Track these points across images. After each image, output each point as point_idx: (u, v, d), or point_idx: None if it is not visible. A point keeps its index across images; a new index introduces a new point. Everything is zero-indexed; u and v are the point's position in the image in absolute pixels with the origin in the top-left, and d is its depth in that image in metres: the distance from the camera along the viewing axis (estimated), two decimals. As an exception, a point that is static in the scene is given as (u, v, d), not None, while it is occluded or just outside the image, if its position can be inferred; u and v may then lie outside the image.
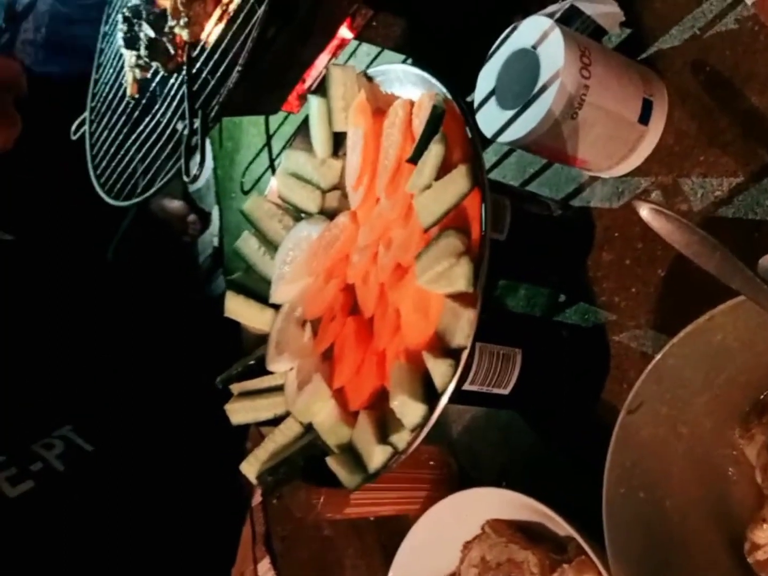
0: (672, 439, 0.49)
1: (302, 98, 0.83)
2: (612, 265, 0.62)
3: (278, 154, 1.09)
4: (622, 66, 0.59)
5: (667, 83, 0.60)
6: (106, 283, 1.04)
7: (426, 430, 0.44)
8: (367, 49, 0.92)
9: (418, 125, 0.51)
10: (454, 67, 0.73)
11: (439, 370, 0.43)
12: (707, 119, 0.57)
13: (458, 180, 0.45)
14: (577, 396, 0.60)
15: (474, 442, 0.70)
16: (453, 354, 0.44)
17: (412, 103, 0.53)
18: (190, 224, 1.20)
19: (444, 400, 0.42)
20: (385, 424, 0.48)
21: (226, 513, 0.86)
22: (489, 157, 0.73)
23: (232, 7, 0.72)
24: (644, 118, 0.59)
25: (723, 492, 0.49)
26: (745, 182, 0.54)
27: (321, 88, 0.60)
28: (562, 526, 0.52)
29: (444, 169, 0.47)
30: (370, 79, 0.57)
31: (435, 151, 0.46)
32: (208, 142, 1.32)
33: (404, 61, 0.86)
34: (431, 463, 0.69)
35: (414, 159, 0.48)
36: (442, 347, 0.45)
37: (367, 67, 0.91)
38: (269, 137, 1.12)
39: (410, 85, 0.54)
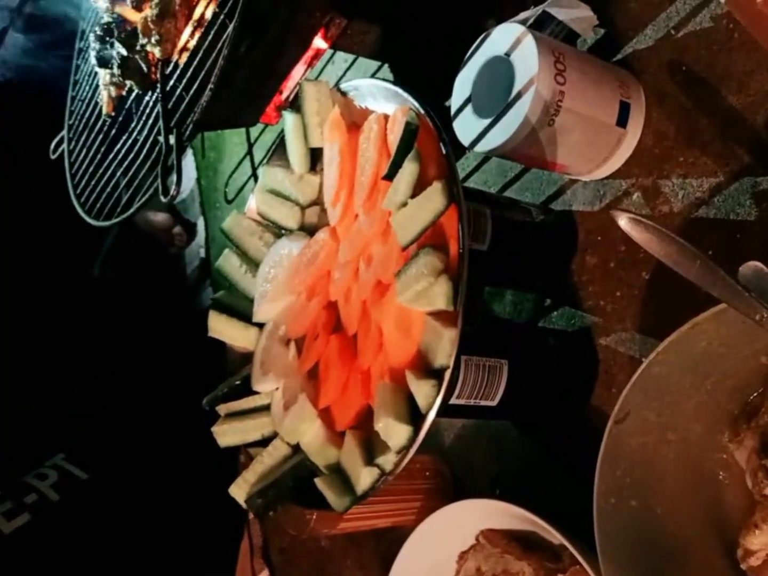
0: (662, 446, 0.49)
1: (280, 109, 0.82)
2: (596, 268, 0.62)
3: (260, 163, 1.09)
4: (597, 69, 0.58)
5: (644, 84, 0.59)
6: (92, 301, 1.03)
7: (412, 451, 0.43)
8: (344, 56, 0.91)
9: (393, 140, 0.50)
10: (431, 72, 0.73)
11: (422, 391, 0.42)
12: (685, 120, 0.57)
13: (434, 197, 0.44)
14: (567, 402, 0.60)
15: (467, 449, 0.69)
16: (437, 372, 0.43)
17: (386, 118, 0.53)
18: (176, 236, 1.19)
19: (428, 421, 0.42)
20: (372, 445, 0.48)
21: (223, 526, 0.86)
22: (469, 162, 0.73)
23: (204, 23, 0.71)
24: (622, 120, 0.58)
25: (715, 497, 0.49)
26: (726, 182, 0.54)
27: (295, 104, 0.59)
28: (555, 536, 0.52)
29: (420, 186, 0.47)
30: (344, 93, 0.57)
31: (409, 169, 0.46)
32: (190, 152, 1.32)
33: (379, 69, 0.85)
34: (425, 473, 0.69)
35: (389, 176, 0.48)
36: (425, 365, 0.45)
37: (344, 74, 0.91)
38: (251, 146, 1.12)
39: (384, 99, 0.53)
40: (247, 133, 1.13)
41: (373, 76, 0.86)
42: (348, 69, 0.90)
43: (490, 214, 0.58)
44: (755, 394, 0.48)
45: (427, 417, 0.42)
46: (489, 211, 0.58)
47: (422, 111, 0.47)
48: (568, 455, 0.60)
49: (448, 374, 0.42)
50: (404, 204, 0.47)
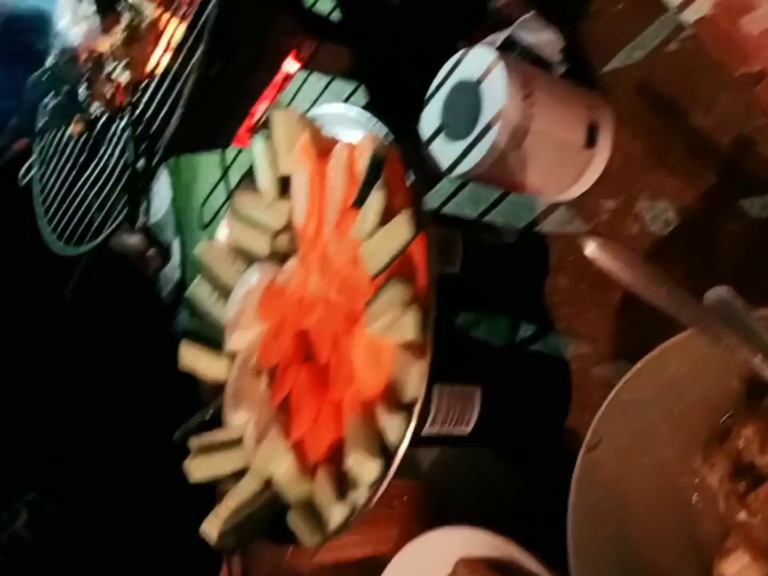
0: (636, 472, 0.48)
1: (252, 131, 0.82)
2: (569, 289, 0.62)
3: (236, 186, 1.08)
4: (565, 91, 0.58)
5: (613, 106, 0.59)
6: (65, 328, 1.02)
7: (384, 485, 0.43)
8: (319, 76, 0.91)
9: (361, 168, 0.50)
10: (406, 90, 0.73)
11: (391, 426, 0.42)
12: (654, 140, 0.57)
13: (401, 227, 0.44)
14: (542, 426, 0.59)
15: (445, 473, 0.69)
16: (407, 405, 0.43)
17: (354, 145, 0.52)
18: (150, 259, 1.18)
19: (399, 457, 0.42)
20: (345, 478, 0.47)
21: (201, 557, 0.84)
22: (445, 187, 0.72)
23: (173, 46, 0.71)
24: (591, 142, 0.58)
25: (691, 522, 0.48)
26: (694, 203, 0.54)
27: (265, 130, 0.59)
28: (533, 564, 0.52)
29: (388, 214, 0.46)
30: (312, 120, 0.56)
31: (376, 199, 0.45)
32: (165, 173, 1.31)
33: (356, 89, 0.85)
34: (402, 497, 0.68)
35: (357, 204, 0.47)
36: (396, 397, 0.44)
37: (320, 95, 0.91)
38: (226, 169, 1.11)
39: (352, 126, 0.53)
40: (222, 155, 1.13)
41: (349, 96, 0.86)
42: (324, 90, 0.90)
43: (461, 237, 0.58)
44: (726, 417, 0.48)
45: (397, 452, 0.41)
46: (460, 234, 0.58)
47: (389, 140, 0.47)
48: (545, 480, 0.59)
49: (417, 408, 0.41)
50: (372, 233, 0.46)
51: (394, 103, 0.78)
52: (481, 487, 0.65)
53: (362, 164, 0.50)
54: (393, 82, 0.78)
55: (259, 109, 0.80)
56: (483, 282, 0.61)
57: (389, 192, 0.46)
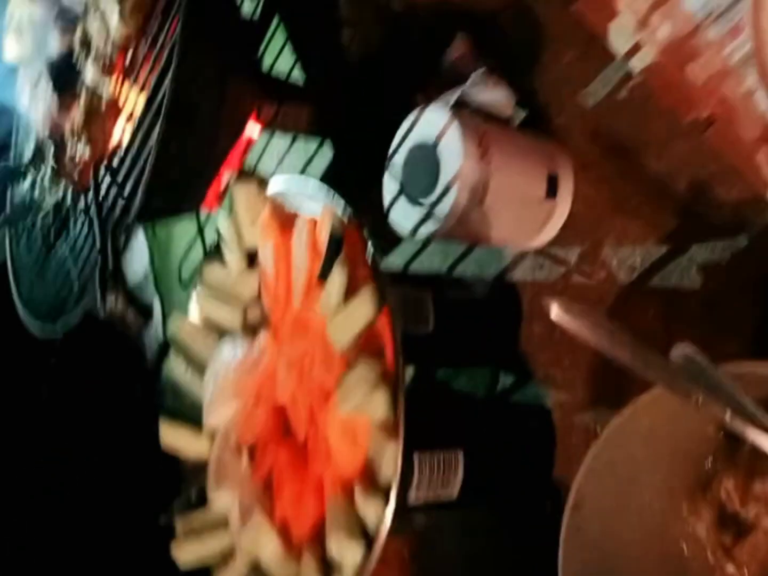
0: (623, 526, 0.48)
1: (220, 195, 0.82)
2: (543, 337, 0.62)
3: (212, 243, 1.08)
4: (522, 144, 0.59)
5: (570, 154, 0.60)
6: (49, 394, 1.01)
7: (370, 567, 0.42)
8: (282, 136, 0.91)
9: (323, 241, 0.50)
10: (370, 142, 0.73)
11: (370, 510, 0.41)
12: (612, 187, 0.57)
13: (364, 304, 0.44)
14: (529, 479, 0.59)
15: (434, 530, 0.68)
16: (385, 486, 0.42)
17: (315, 219, 0.52)
18: (130, 322, 1.17)
19: (381, 541, 0.41)
20: (331, 559, 0.46)
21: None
22: (410, 246, 0.72)
23: (133, 120, 0.71)
24: (551, 192, 0.59)
25: (682, 572, 0.48)
26: (656, 248, 0.54)
27: (228, 203, 0.59)
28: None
29: (352, 288, 0.46)
30: (273, 192, 0.56)
31: (338, 276, 0.45)
32: (141, 232, 1.30)
33: (321, 145, 0.86)
34: (392, 559, 0.67)
35: (321, 278, 0.47)
36: (374, 477, 0.44)
37: (285, 154, 0.91)
38: (201, 226, 1.11)
39: (312, 198, 0.53)
40: (197, 212, 1.13)
41: (314, 154, 0.87)
42: (288, 149, 0.90)
43: (431, 297, 0.58)
44: (709, 462, 0.48)
45: (378, 537, 0.41)
46: (430, 293, 0.58)
47: (347, 213, 0.47)
48: (535, 534, 0.59)
49: (394, 492, 0.41)
50: (337, 309, 0.46)
51: (356, 163, 0.79)
52: (470, 540, 0.64)
53: (323, 237, 0.50)
54: (354, 140, 0.79)
55: (226, 172, 0.81)
56: (458, 338, 0.61)
57: (351, 266, 0.46)
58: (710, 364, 0.39)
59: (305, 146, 0.87)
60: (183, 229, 1.19)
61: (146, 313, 1.22)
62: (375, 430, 0.44)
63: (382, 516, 0.41)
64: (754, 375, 0.40)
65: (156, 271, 1.25)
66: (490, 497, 0.58)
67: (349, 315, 0.45)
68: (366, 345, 0.45)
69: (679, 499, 0.49)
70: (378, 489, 0.42)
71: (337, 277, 0.45)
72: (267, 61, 0.92)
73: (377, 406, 0.42)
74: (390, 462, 0.41)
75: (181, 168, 0.71)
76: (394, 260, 0.76)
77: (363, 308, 0.44)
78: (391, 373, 0.44)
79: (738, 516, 0.45)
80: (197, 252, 1.12)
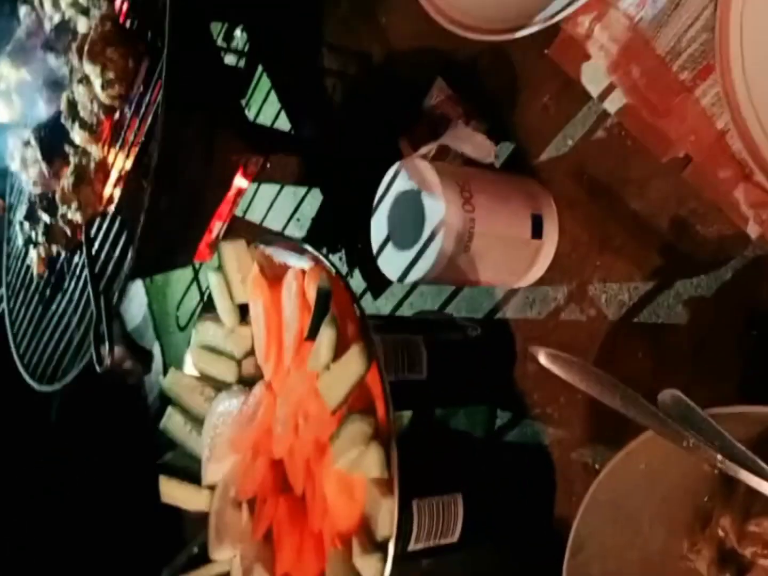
0: (624, 567, 0.48)
1: (212, 246, 0.83)
2: (537, 375, 0.62)
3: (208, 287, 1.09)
4: (505, 187, 0.60)
5: (553, 194, 0.60)
6: (52, 450, 1.01)
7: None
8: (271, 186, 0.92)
9: (312, 296, 0.51)
10: (358, 189, 0.74)
11: (367, 567, 0.41)
12: (596, 226, 0.58)
13: (353, 361, 0.44)
14: (530, 518, 0.59)
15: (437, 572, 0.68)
16: (382, 543, 0.42)
17: (304, 272, 0.53)
18: (129, 370, 1.18)
19: (379, 599, 0.41)
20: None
21: None
22: (399, 289, 0.73)
23: (123, 181, 0.72)
24: (537, 232, 0.59)
25: (686, 610, 0.48)
26: (643, 285, 0.55)
27: (216, 262, 0.60)
28: None
29: (341, 345, 0.47)
30: (261, 249, 0.57)
31: (326, 334, 0.46)
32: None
33: (307, 192, 0.87)
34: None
35: (310, 338, 0.48)
36: (371, 533, 0.44)
37: (272, 203, 0.93)
38: (196, 273, 1.12)
39: (298, 256, 0.54)
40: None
41: (302, 199, 0.88)
42: (276, 196, 0.91)
43: (423, 342, 0.58)
44: (706, 499, 0.48)
45: (376, 595, 0.41)
46: (422, 338, 0.58)
47: (333, 271, 0.48)
48: (535, 570, 0.59)
49: (392, 547, 0.41)
50: (327, 366, 0.47)
51: (345, 209, 0.80)
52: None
53: (312, 292, 0.50)
54: (342, 186, 0.80)
55: (216, 224, 0.82)
56: (453, 380, 0.61)
57: (339, 323, 0.46)
58: (697, 408, 0.40)
59: (295, 190, 0.88)
60: (179, 273, 1.20)
61: (147, 358, 1.23)
62: (370, 485, 0.44)
63: (381, 571, 0.41)
64: (742, 416, 0.40)
65: (154, 314, 1.26)
66: (492, 537, 0.58)
67: (338, 374, 0.45)
68: (358, 400, 0.46)
69: (680, 537, 0.49)
70: (376, 545, 0.43)
71: (326, 336, 0.46)
72: (253, 109, 0.94)
73: (370, 463, 0.42)
74: (386, 518, 0.41)
75: (171, 225, 0.72)
76: (385, 302, 0.77)
77: (352, 366, 0.44)
78: (383, 429, 0.44)
79: (737, 553, 0.45)
80: (194, 295, 1.13)
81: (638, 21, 0.52)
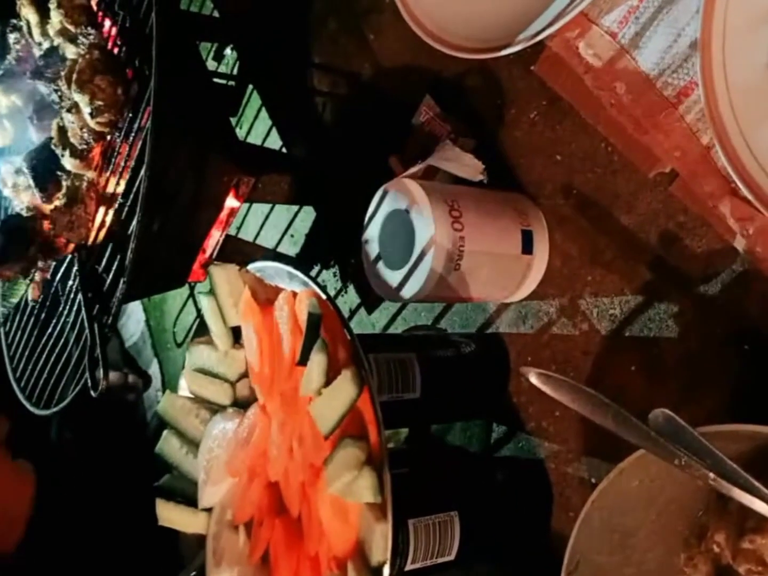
0: (620, 583, 0.48)
1: (205, 267, 0.83)
2: (532, 389, 0.61)
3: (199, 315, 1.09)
4: (494, 205, 0.60)
5: (543, 209, 0.61)
6: (52, 469, 1.01)
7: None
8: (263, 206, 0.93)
9: (303, 320, 0.51)
10: (349, 207, 0.74)
11: (363, 592, 0.42)
12: (586, 240, 0.58)
13: (344, 387, 0.44)
14: (527, 531, 0.59)
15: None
16: (377, 567, 0.43)
17: (295, 295, 0.53)
18: (128, 387, 1.17)
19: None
20: (331, 639, 0.46)
21: None
22: (391, 306, 0.73)
23: (115, 202, 0.72)
24: (527, 248, 0.60)
25: (683, 626, 0.48)
26: (633, 299, 0.55)
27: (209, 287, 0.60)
28: None
29: (333, 369, 0.47)
30: (252, 273, 0.57)
31: (317, 360, 0.46)
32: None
33: (299, 211, 0.87)
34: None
35: (302, 363, 0.48)
36: (365, 557, 0.44)
37: (264, 222, 0.93)
38: (192, 288, 1.12)
39: (289, 279, 0.54)
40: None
41: (294, 217, 0.88)
42: (268, 214, 0.91)
43: (417, 359, 0.58)
44: (701, 514, 0.48)
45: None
46: (415, 356, 0.59)
47: (323, 296, 0.48)
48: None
49: (386, 573, 0.41)
50: (319, 392, 0.47)
51: (337, 227, 0.80)
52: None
53: (303, 316, 0.51)
54: (334, 203, 0.80)
55: (209, 244, 0.82)
56: (448, 396, 0.61)
57: (330, 348, 0.47)
58: (688, 427, 0.40)
59: (288, 206, 0.89)
60: (175, 291, 1.20)
61: (145, 376, 1.23)
62: (364, 510, 0.44)
63: (375, 600, 0.41)
64: (733, 434, 0.41)
65: (152, 331, 1.26)
66: (489, 554, 0.58)
67: (330, 399, 0.45)
68: (351, 424, 0.46)
69: (676, 551, 0.49)
70: (371, 569, 0.43)
71: (316, 364, 0.46)
72: (244, 127, 0.94)
73: (363, 488, 0.42)
74: (380, 543, 0.41)
75: (164, 247, 0.72)
76: (379, 316, 0.77)
77: (343, 392, 0.44)
78: (376, 454, 0.44)
79: (733, 569, 0.45)
80: (190, 310, 1.13)
81: (621, 38, 0.52)
